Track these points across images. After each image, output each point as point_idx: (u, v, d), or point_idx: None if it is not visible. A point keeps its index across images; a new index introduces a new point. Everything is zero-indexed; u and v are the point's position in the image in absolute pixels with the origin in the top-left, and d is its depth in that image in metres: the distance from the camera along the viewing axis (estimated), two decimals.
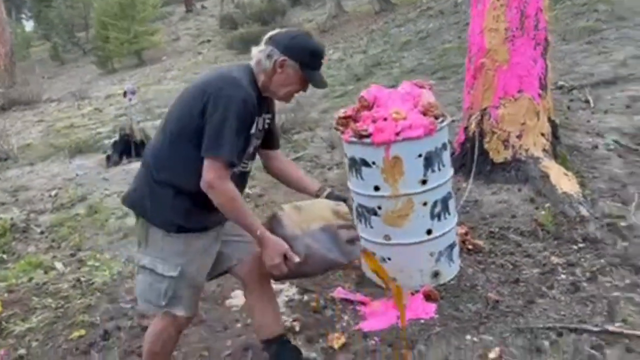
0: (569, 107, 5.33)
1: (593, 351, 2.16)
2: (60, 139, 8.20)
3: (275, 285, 3.05)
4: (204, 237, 2.01)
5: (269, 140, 2.16)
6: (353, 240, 2.08)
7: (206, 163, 1.87)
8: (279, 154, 2.26)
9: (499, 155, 3.92)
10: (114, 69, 17.00)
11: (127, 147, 6.67)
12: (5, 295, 3.37)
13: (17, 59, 15.77)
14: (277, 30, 2.04)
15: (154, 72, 14.87)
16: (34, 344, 2.82)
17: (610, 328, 2.27)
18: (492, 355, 2.19)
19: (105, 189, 5.46)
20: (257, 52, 2.00)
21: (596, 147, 4.19)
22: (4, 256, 4.08)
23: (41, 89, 13.56)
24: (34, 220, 4.80)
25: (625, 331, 2.24)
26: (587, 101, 5.40)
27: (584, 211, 3.20)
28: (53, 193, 5.59)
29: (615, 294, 2.50)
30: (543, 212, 3.28)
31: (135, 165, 6.08)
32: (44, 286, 3.43)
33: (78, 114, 10.70)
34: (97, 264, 3.64)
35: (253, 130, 1.97)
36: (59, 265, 3.72)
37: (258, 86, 1.99)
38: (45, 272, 3.64)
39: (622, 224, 3.09)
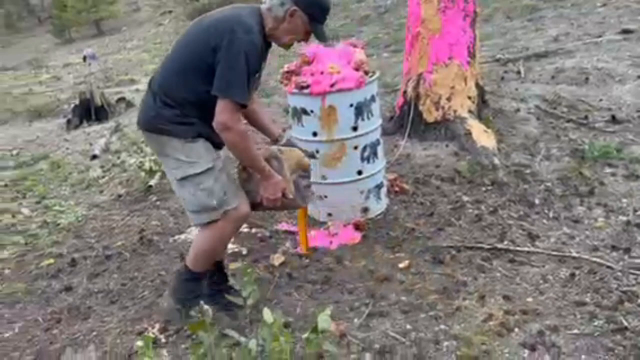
0: (502, 77, 5.85)
1: (483, 262, 2.66)
2: (18, 105, 8.25)
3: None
4: (216, 153, 2.20)
5: None
6: (309, 187, 2.51)
7: (221, 104, 2.01)
8: (255, 95, 2.44)
9: (431, 115, 4.39)
10: (72, 38, 16.69)
11: (87, 111, 6.86)
12: None
13: None
14: None
15: (113, 43, 14.74)
16: (7, 271, 3.13)
17: (499, 246, 2.77)
18: (401, 265, 2.67)
19: (67, 148, 5.68)
20: None
21: (518, 110, 4.71)
22: None
23: None
24: None
25: (511, 248, 2.75)
26: (518, 72, 5.95)
27: (496, 161, 3.70)
28: (15, 152, 5.77)
29: (509, 222, 3.01)
30: (463, 163, 3.76)
31: (96, 128, 6.32)
32: (13, 227, 3.72)
33: (35, 81, 10.65)
34: (62, 209, 3.94)
35: (257, 75, 2.17)
36: (25, 210, 4.00)
37: (265, 32, 2.16)
38: (13, 216, 3.92)
39: (527, 171, 3.60)
